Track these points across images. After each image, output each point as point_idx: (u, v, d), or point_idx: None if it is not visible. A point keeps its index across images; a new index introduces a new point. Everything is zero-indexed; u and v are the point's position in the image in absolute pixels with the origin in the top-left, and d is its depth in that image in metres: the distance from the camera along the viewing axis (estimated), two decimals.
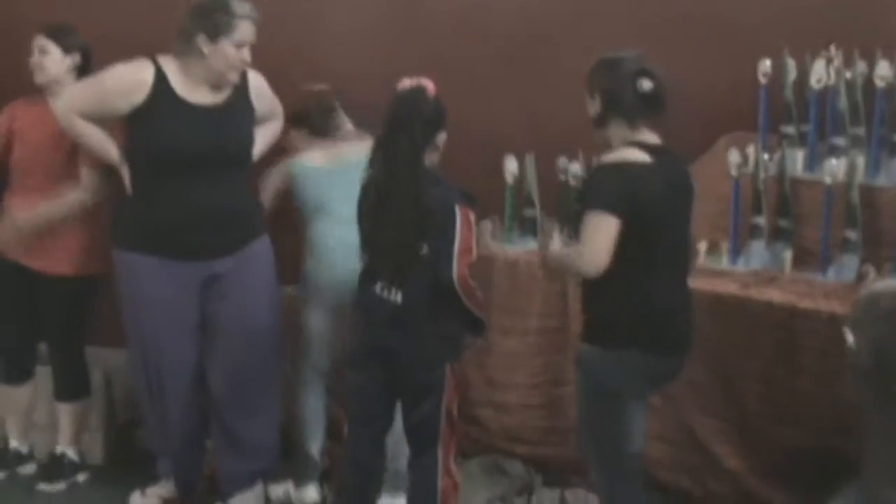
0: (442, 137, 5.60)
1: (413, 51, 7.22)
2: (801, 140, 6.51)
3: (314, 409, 6.72)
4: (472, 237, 5.53)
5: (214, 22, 6.09)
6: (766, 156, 6.42)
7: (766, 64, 6.55)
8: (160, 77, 6.21)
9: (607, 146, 5.36)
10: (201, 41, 6.10)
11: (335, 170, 6.54)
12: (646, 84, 5.22)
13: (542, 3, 7.18)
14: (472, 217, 5.54)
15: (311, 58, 7.12)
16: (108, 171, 6.51)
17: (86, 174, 6.62)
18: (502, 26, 7.18)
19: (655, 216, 5.13)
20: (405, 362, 5.60)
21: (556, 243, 5.47)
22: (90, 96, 6.34)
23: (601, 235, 5.08)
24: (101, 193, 6.66)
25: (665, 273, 5.30)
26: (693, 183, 5.47)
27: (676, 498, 6.27)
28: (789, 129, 6.56)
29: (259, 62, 6.31)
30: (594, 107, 5.38)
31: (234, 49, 6.13)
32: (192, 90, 6.25)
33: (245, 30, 6.15)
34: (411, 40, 7.40)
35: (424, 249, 5.47)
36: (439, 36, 7.34)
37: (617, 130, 5.35)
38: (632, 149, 5.24)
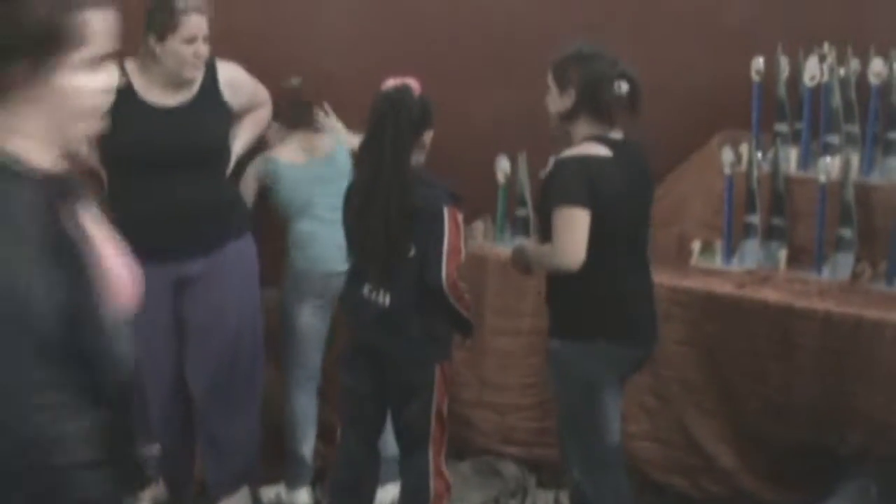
0: (428, 136, 5.60)
1: (405, 49, 7.21)
2: (795, 138, 6.55)
3: (305, 412, 6.77)
4: (460, 238, 5.54)
5: (159, 21, 6.07)
6: (759, 154, 6.46)
7: (759, 61, 6.58)
8: (126, 81, 6.18)
9: (567, 140, 5.40)
10: (152, 42, 6.10)
11: (315, 167, 6.61)
12: (624, 86, 5.25)
13: (534, 3, 7.21)
14: (460, 217, 5.56)
15: (300, 57, 7.12)
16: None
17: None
18: (495, 26, 7.19)
19: (616, 209, 5.19)
20: (394, 363, 5.64)
21: (530, 242, 5.56)
22: None
23: (575, 230, 5.13)
24: None
25: (626, 264, 5.36)
26: (652, 180, 5.58)
27: (671, 499, 6.31)
28: (783, 127, 6.59)
29: (251, 61, 6.40)
30: (565, 100, 5.35)
31: (184, 45, 6.10)
32: (154, 91, 6.25)
33: (193, 24, 6.08)
34: (403, 39, 7.35)
35: (412, 251, 5.49)
36: (432, 35, 7.32)
37: (584, 126, 5.37)
38: (592, 143, 5.30)
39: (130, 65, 6.21)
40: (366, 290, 5.66)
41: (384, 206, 5.50)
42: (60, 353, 2.83)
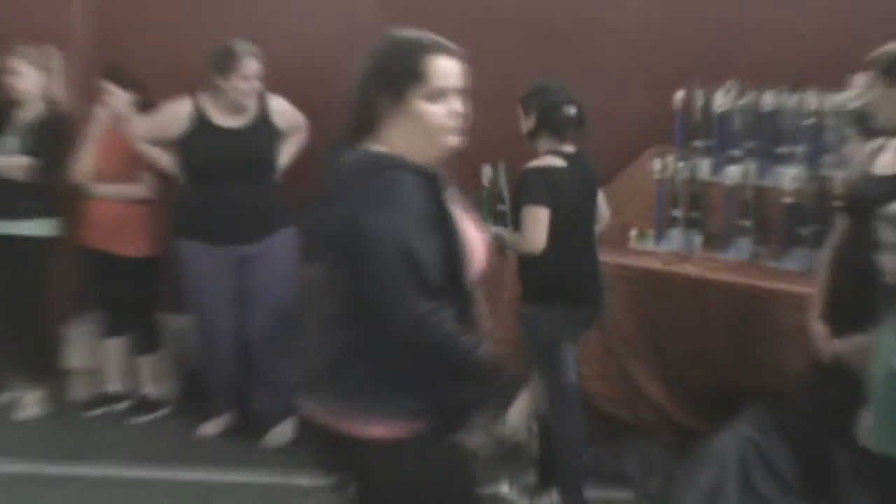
0: None
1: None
2: (708, 152, 6.49)
3: None
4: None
5: (224, 63, 6.31)
6: (681, 164, 6.44)
7: (680, 94, 6.54)
8: (197, 109, 6.46)
9: (534, 153, 5.49)
10: (217, 79, 6.32)
11: None
12: (571, 110, 5.39)
13: (517, 49, 7.17)
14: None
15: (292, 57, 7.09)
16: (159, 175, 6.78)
17: (143, 176, 6.81)
18: (485, 64, 7.10)
19: (569, 206, 5.33)
20: None
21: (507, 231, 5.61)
22: (149, 128, 6.64)
23: (538, 224, 5.27)
24: (153, 190, 6.83)
25: (577, 247, 5.44)
26: (597, 183, 5.63)
27: (617, 426, 6.27)
28: (698, 143, 6.54)
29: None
30: (528, 123, 5.49)
31: (242, 82, 6.33)
32: (220, 116, 6.45)
33: (248, 65, 6.35)
34: (386, 19, 7.29)
35: None
36: None
37: (544, 142, 5.47)
38: (551, 156, 5.41)
39: (203, 96, 6.42)
40: None
41: None
42: (436, 293, 3.16)
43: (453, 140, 3.33)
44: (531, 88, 5.58)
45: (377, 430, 3.28)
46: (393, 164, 3.25)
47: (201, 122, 6.45)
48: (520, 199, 5.46)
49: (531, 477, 5.90)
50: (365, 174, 3.27)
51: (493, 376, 3.38)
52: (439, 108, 3.29)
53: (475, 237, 3.42)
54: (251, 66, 6.36)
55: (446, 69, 3.32)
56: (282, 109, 6.60)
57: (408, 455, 3.30)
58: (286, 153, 6.64)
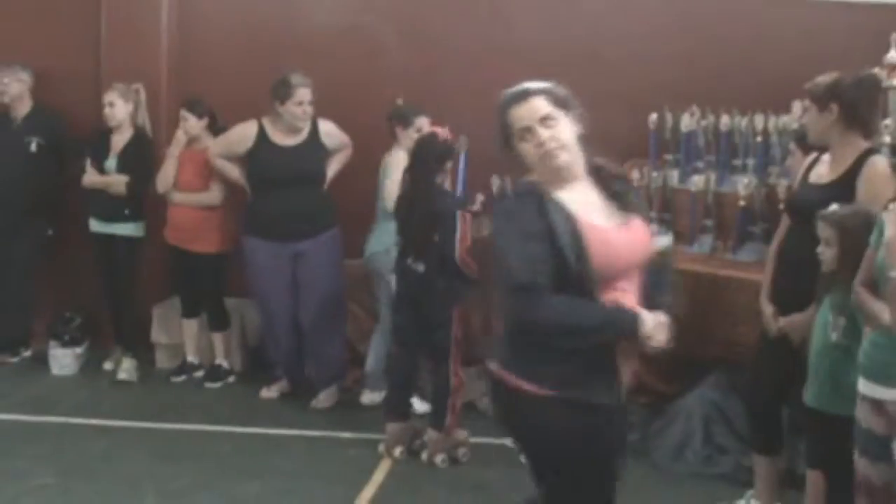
0: (448, 165, 5.71)
1: (423, 81, 7.19)
2: (676, 163, 6.44)
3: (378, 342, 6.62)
4: (468, 230, 5.61)
5: (282, 91, 6.37)
6: (654, 174, 6.37)
7: (653, 117, 6.51)
8: (261, 130, 6.51)
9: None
10: (277, 105, 6.39)
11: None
12: None
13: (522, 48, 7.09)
14: (468, 217, 5.66)
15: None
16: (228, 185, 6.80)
17: (214, 187, 6.81)
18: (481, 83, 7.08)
19: None
20: (425, 307, 5.66)
21: None
22: (222, 146, 6.65)
23: None
24: (221, 198, 6.84)
25: None
26: None
27: None
28: (669, 157, 6.50)
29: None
30: None
31: (297, 107, 6.38)
32: (279, 136, 6.50)
33: (302, 93, 6.39)
34: (412, 57, 7.37)
35: (436, 237, 5.57)
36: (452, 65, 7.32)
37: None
38: None
39: (265, 119, 6.48)
40: (409, 260, 5.71)
41: (419, 210, 5.61)
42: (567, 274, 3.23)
43: (555, 160, 3.32)
44: None
45: (529, 386, 3.32)
46: (517, 190, 3.54)
47: (264, 141, 6.51)
48: None
49: None
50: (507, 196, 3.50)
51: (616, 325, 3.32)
52: (528, 145, 3.32)
53: (609, 237, 3.33)
54: (304, 94, 6.41)
55: (519, 114, 3.35)
56: (329, 131, 6.62)
57: (552, 410, 3.32)
58: (333, 167, 6.65)
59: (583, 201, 3.36)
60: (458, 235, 5.59)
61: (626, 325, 3.30)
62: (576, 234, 3.25)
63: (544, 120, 3.34)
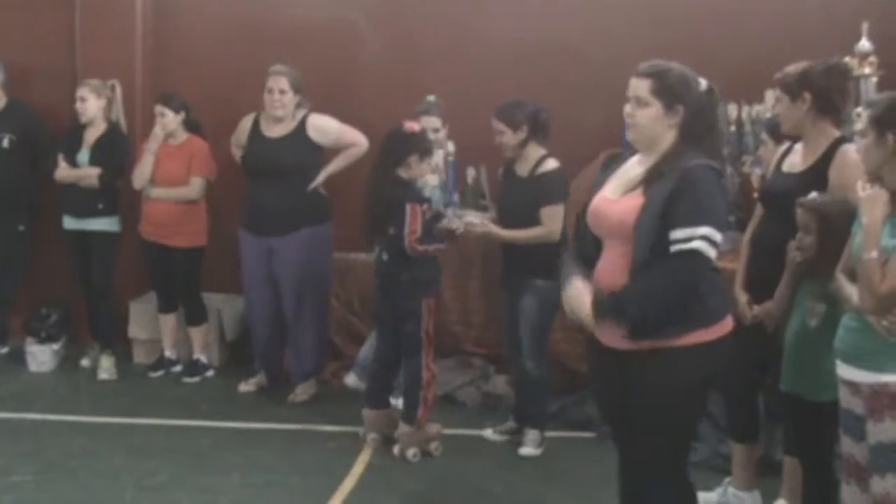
0: (413, 159, 5.64)
1: (404, 74, 7.25)
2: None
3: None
4: (418, 222, 5.54)
5: (264, 83, 6.41)
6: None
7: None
8: (256, 120, 6.53)
9: (520, 157, 5.59)
10: (263, 95, 6.42)
11: None
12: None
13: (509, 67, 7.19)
14: (418, 209, 5.56)
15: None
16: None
17: (192, 181, 6.81)
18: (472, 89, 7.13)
19: None
20: (393, 297, 5.68)
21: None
22: (234, 136, 6.69)
23: (558, 218, 5.51)
24: (199, 192, 6.86)
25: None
26: None
27: (580, 378, 6.24)
28: None
29: None
30: (519, 134, 5.51)
31: (267, 95, 6.38)
32: (268, 128, 6.49)
33: (271, 81, 6.38)
34: (393, 50, 7.39)
35: (391, 230, 5.58)
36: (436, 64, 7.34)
37: (536, 148, 5.56)
38: (552, 159, 5.54)
39: (263, 113, 6.50)
40: (378, 251, 5.76)
41: (376, 202, 5.64)
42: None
43: (628, 130, 3.80)
44: (511, 105, 5.59)
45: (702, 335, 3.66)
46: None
47: (256, 132, 6.53)
48: (541, 198, 5.53)
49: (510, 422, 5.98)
50: None
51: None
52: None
53: (597, 204, 3.80)
54: (273, 82, 6.38)
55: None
56: (321, 126, 6.49)
57: (722, 348, 3.71)
58: (335, 164, 6.52)
59: (626, 170, 3.84)
60: (406, 228, 5.54)
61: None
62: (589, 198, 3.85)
63: (635, 99, 3.74)
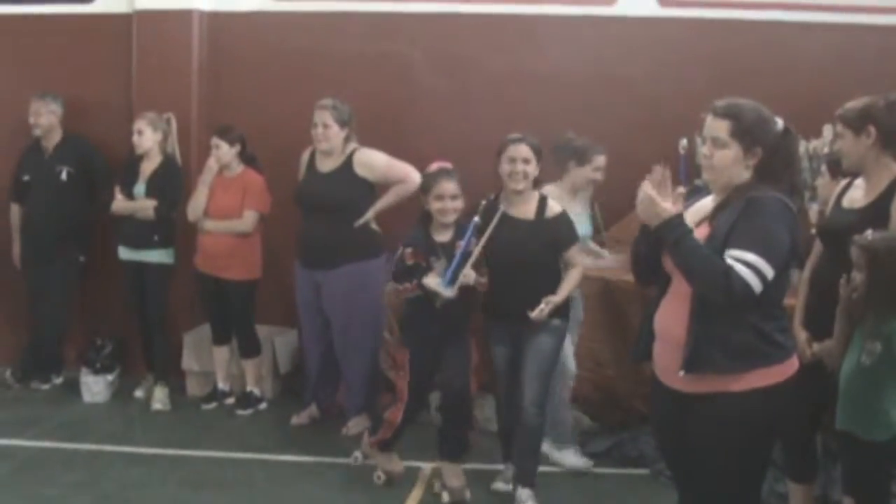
0: (424, 197, 5.47)
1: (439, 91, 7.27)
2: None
3: None
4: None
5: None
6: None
7: (683, 142, 6.52)
8: (312, 155, 6.56)
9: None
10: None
11: None
12: None
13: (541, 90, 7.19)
14: (402, 250, 5.46)
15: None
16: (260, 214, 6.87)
17: (246, 214, 6.85)
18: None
19: None
20: None
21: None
22: (299, 169, 6.67)
23: None
24: (253, 225, 6.88)
25: None
26: None
27: (635, 415, 6.25)
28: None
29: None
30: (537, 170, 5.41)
31: (313, 129, 6.38)
32: (321, 162, 6.50)
33: (317, 115, 6.38)
34: (442, 82, 7.40)
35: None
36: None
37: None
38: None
39: None
40: None
41: None
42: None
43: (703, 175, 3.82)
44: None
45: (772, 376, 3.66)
46: None
47: (310, 166, 6.58)
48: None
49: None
50: None
51: None
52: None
53: None
54: (318, 116, 6.39)
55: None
56: (367, 162, 6.44)
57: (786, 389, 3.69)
58: (385, 200, 6.46)
59: (702, 206, 3.90)
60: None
61: None
62: None
63: (713, 140, 3.73)
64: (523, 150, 5.36)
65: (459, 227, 5.43)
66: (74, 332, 7.55)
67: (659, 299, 3.84)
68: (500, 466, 5.77)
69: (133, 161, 7.09)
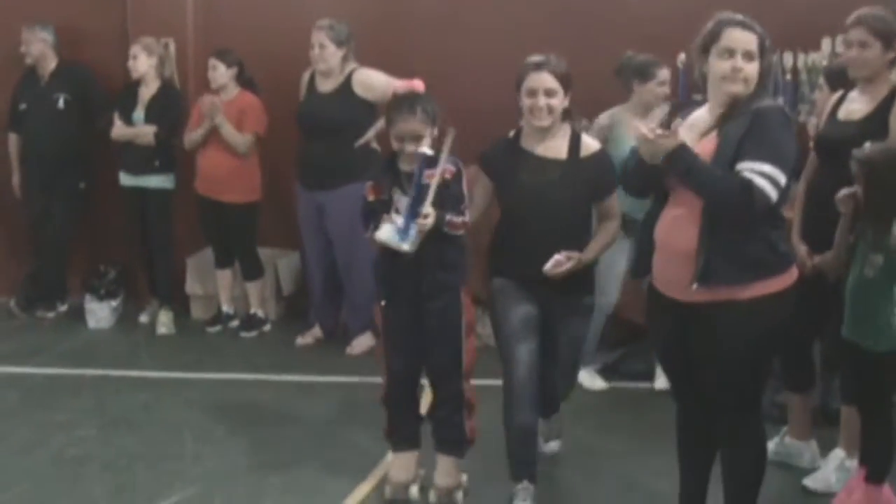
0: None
1: (395, 46, 7.11)
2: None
3: None
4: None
5: None
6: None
7: (681, 56, 6.53)
8: (311, 77, 6.57)
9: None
10: None
11: None
12: None
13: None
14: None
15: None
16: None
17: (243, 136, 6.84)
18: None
19: None
20: None
21: None
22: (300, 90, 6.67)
23: None
24: (251, 148, 6.87)
25: None
26: None
27: (641, 331, 6.29)
28: (698, 97, 6.34)
29: None
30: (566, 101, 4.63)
31: (311, 50, 6.40)
32: (320, 83, 6.51)
33: (313, 36, 6.38)
34: (394, 35, 7.27)
35: None
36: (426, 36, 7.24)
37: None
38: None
39: None
40: None
41: None
42: None
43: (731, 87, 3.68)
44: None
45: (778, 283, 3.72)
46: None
47: (311, 87, 6.58)
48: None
49: None
50: None
51: None
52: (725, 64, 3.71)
53: None
54: (315, 36, 6.38)
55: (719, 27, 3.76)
56: (364, 81, 6.42)
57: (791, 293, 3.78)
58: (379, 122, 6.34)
59: (696, 118, 3.87)
60: None
61: None
62: None
63: (746, 53, 3.72)
64: (546, 80, 4.41)
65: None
66: (78, 260, 7.59)
67: (656, 212, 3.85)
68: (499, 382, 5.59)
69: (131, 87, 7.07)
